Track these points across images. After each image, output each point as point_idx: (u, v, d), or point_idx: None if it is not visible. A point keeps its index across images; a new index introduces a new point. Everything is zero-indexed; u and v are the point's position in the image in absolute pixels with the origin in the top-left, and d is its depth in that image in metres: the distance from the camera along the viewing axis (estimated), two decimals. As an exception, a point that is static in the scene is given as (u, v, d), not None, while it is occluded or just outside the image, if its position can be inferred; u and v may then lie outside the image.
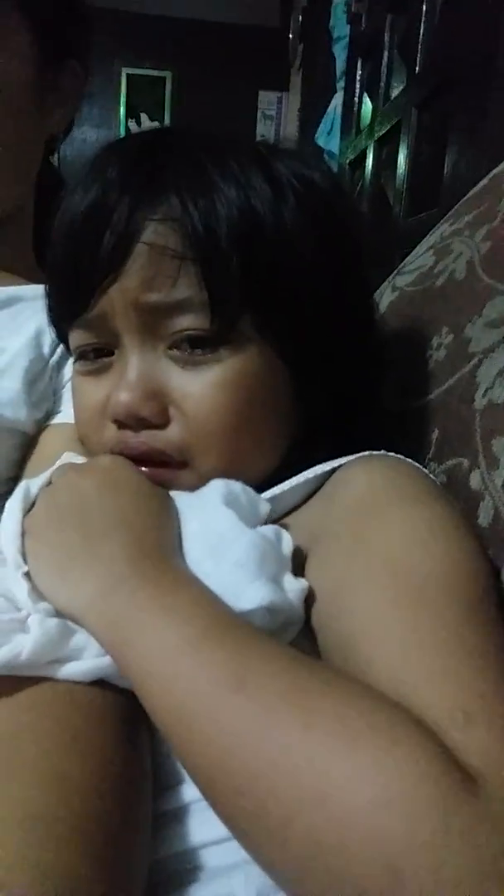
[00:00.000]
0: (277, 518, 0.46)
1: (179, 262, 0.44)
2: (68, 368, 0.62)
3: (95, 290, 0.45)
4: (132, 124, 3.89)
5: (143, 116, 3.91)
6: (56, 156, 0.81)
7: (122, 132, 3.77)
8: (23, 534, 0.41)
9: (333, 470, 0.46)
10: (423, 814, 0.25)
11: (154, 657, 0.32)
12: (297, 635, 0.38)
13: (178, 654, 0.32)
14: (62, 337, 0.52)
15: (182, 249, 0.44)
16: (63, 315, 0.50)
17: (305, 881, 0.26)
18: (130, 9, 3.42)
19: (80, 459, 0.49)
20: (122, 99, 3.87)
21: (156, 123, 3.76)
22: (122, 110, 3.89)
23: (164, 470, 0.46)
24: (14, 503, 0.43)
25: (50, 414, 0.62)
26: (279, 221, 0.46)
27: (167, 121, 3.86)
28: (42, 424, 0.62)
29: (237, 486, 0.43)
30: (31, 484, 0.45)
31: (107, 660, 0.35)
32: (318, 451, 0.47)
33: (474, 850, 0.24)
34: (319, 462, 0.46)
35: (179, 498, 0.44)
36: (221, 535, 0.39)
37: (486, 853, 0.24)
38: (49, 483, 0.45)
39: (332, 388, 0.49)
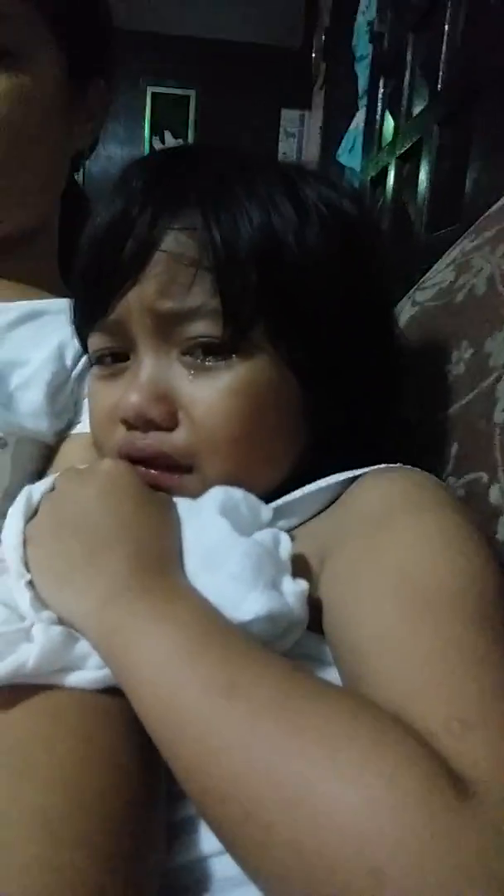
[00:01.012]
0: (291, 528, 0.46)
1: (195, 270, 0.44)
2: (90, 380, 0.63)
3: (115, 294, 0.46)
4: (157, 142, 3.94)
5: (168, 134, 3.96)
6: (81, 172, 0.82)
7: (147, 150, 3.81)
8: (25, 541, 0.42)
9: (350, 481, 0.46)
10: (405, 815, 0.24)
11: (147, 664, 0.33)
12: (304, 638, 0.38)
13: (170, 660, 0.32)
14: (84, 342, 0.53)
15: (198, 258, 0.45)
16: (85, 319, 0.51)
17: (289, 887, 0.26)
18: (156, 29, 3.48)
19: None
20: (147, 117, 3.93)
21: (180, 141, 3.81)
22: (147, 128, 3.94)
23: (170, 475, 0.47)
24: (16, 510, 0.43)
25: (71, 424, 0.63)
26: (300, 242, 0.46)
27: (191, 138, 3.90)
28: (63, 435, 0.63)
29: (237, 493, 0.43)
30: (33, 490, 0.45)
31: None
32: (332, 462, 0.47)
33: (459, 851, 0.24)
34: (333, 473, 0.46)
35: (180, 505, 0.44)
36: (215, 547, 0.39)
37: (472, 855, 0.24)
38: (52, 489, 0.45)
39: (346, 401, 0.49)
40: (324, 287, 0.47)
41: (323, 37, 3.30)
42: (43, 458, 0.63)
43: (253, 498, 0.43)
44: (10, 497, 0.45)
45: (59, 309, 0.64)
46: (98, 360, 0.51)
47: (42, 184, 0.69)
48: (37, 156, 0.65)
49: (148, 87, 3.88)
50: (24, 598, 0.38)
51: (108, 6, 0.71)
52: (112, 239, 0.47)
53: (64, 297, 0.64)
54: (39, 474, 0.62)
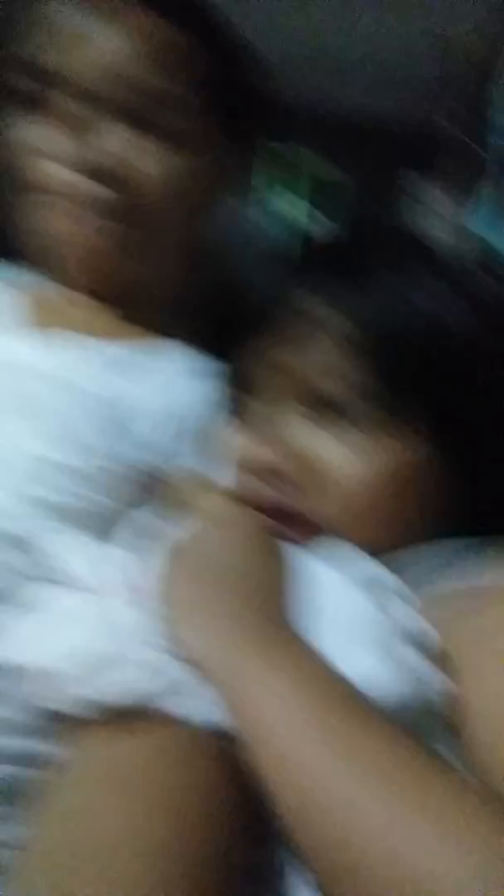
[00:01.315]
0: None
1: (346, 345, 0.46)
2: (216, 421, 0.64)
3: (244, 346, 0.49)
4: (271, 194, 3.99)
5: (279, 186, 4.00)
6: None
7: (262, 204, 3.86)
8: (153, 574, 0.42)
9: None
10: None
11: (265, 711, 0.34)
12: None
13: (290, 714, 0.34)
14: (214, 383, 0.57)
15: (345, 330, 0.46)
16: (220, 370, 0.55)
17: None
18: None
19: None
20: (262, 174, 3.99)
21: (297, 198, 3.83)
22: (261, 184, 4.00)
23: (302, 535, 0.47)
24: (152, 544, 0.45)
25: (177, 458, 0.62)
26: (456, 329, 0.47)
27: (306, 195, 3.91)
28: (169, 468, 0.62)
29: (379, 569, 0.44)
30: (166, 528, 0.46)
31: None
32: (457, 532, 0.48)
33: None
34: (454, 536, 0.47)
35: (317, 567, 0.44)
36: (357, 621, 0.39)
37: None
38: (184, 529, 0.46)
39: (488, 473, 0.49)
40: (474, 370, 0.48)
41: (451, 104, 3.26)
42: (151, 489, 0.61)
43: (394, 578, 0.44)
44: (127, 526, 0.47)
45: (174, 351, 0.65)
46: (227, 405, 0.53)
47: (181, 255, 0.70)
48: (179, 230, 0.67)
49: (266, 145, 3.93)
50: (152, 629, 0.39)
51: (264, 74, 0.72)
52: (250, 294, 0.50)
53: (182, 341, 0.66)
54: (149, 506, 0.60)
